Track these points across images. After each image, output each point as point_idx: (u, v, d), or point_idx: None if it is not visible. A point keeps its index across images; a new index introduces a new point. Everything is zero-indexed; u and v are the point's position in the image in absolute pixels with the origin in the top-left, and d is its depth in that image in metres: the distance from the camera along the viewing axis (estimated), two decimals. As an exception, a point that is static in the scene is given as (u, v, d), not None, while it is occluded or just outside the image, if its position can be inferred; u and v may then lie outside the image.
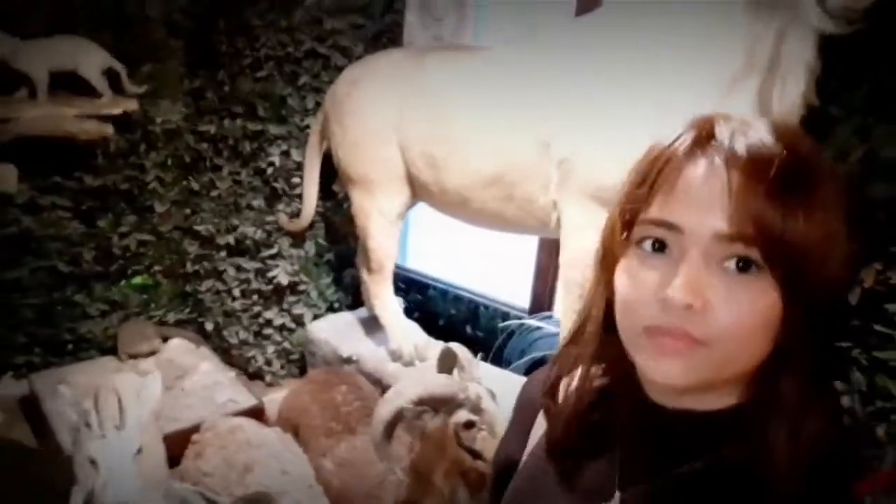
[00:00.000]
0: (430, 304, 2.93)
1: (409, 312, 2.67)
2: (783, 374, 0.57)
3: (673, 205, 0.57)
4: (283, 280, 2.78)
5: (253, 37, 2.58)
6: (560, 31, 1.88)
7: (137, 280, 3.00)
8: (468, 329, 2.80)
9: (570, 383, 0.70)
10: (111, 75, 2.60)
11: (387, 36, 2.67)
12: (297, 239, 2.80)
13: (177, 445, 2.12)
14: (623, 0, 1.71)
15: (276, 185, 2.73)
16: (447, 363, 1.66)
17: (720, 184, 0.55)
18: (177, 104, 2.87)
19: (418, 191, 2.18)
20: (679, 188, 0.57)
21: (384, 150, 2.15)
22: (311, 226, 2.75)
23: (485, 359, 2.19)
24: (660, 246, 0.58)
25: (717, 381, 0.59)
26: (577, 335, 0.70)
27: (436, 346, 2.19)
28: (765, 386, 0.58)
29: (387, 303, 2.45)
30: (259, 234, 2.79)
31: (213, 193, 2.86)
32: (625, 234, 0.61)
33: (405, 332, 2.42)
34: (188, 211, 2.99)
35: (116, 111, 2.59)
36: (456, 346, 1.66)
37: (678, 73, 1.54)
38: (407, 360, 2.35)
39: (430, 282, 2.95)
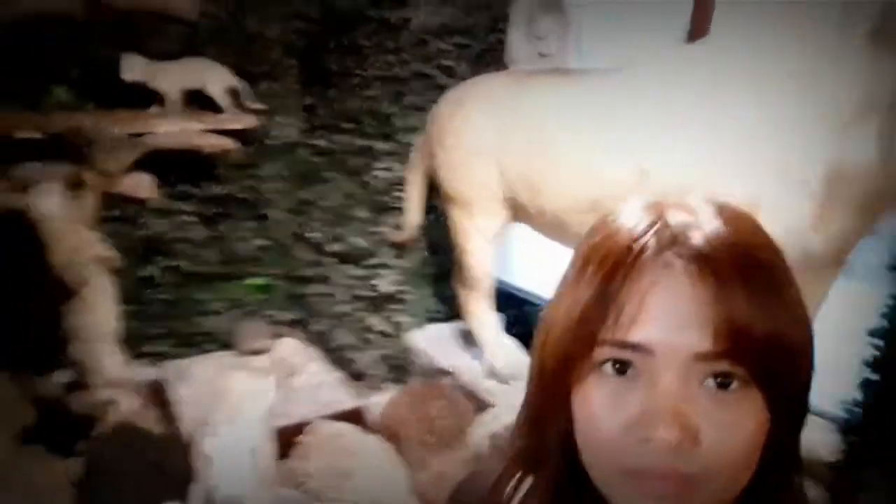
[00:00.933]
0: (530, 320, 2.95)
1: (509, 328, 2.71)
2: (771, 489, 0.53)
3: (640, 323, 0.49)
4: (386, 288, 2.89)
5: (362, 57, 2.69)
6: (666, 57, 1.84)
7: (255, 281, 3.21)
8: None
9: None
10: (233, 93, 2.79)
11: (490, 55, 2.70)
12: (401, 250, 2.90)
13: (284, 441, 2.28)
14: (734, 28, 1.65)
15: (381, 198, 2.84)
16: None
17: (693, 295, 0.49)
18: (291, 120, 3.03)
19: (517, 212, 2.21)
20: (646, 303, 0.49)
21: (483, 172, 2.19)
22: (414, 238, 2.84)
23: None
24: (622, 367, 0.51)
25: None
26: (528, 458, 0.61)
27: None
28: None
29: (483, 319, 2.49)
30: (365, 244, 2.91)
31: (324, 204, 3.01)
32: (581, 354, 0.52)
33: (501, 350, 2.46)
34: (301, 219, 3.16)
35: (237, 126, 2.77)
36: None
37: (789, 107, 1.48)
38: (502, 377, 2.39)
39: (530, 297, 2.97)
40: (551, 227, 2.09)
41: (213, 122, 2.74)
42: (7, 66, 2.43)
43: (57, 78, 2.57)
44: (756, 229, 0.53)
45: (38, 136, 2.36)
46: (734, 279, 0.49)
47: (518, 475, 0.62)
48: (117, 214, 2.76)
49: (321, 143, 2.94)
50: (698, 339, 0.48)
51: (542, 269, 3.03)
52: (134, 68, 2.55)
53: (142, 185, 2.71)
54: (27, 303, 2.50)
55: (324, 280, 3.11)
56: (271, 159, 3.04)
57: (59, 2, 2.39)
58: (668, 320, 0.49)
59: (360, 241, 2.92)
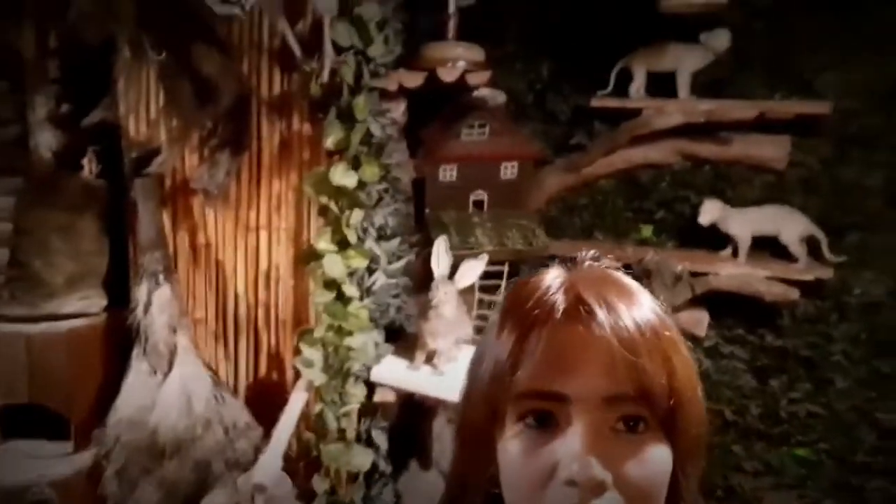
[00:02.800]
0: None
1: None
2: None
3: (555, 375, 0.56)
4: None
5: None
6: None
7: (800, 451, 2.83)
8: None
9: None
10: (811, 243, 2.58)
11: None
12: None
13: None
14: None
15: None
16: None
17: (602, 350, 0.55)
18: (882, 277, 2.61)
19: None
20: (559, 357, 0.56)
21: None
22: None
23: None
24: (541, 419, 0.56)
25: None
26: None
27: None
28: None
29: None
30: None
31: (906, 382, 2.46)
32: (502, 407, 0.58)
33: None
34: (872, 394, 2.65)
35: (808, 277, 2.55)
36: None
37: None
38: None
39: None
40: None
41: (780, 270, 2.59)
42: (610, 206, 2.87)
43: (646, 218, 2.88)
44: (648, 298, 0.62)
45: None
46: (633, 336, 0.56)
47: None
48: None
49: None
50: (606, 384, 0.55)
51: None
52: (711, 211, 2.64)
53: (699, 322, 2.75)
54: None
55: (886, 474, 2.51)
56: (848, 319, 2.67)
57: (658, 153, 2.69)
58: (579, 370, 0.55)
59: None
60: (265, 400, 2.06)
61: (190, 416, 1.82)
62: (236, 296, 2.09)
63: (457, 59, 2.05)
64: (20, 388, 1.90)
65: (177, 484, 1.82)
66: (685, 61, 2.55)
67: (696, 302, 2.68)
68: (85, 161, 1.89)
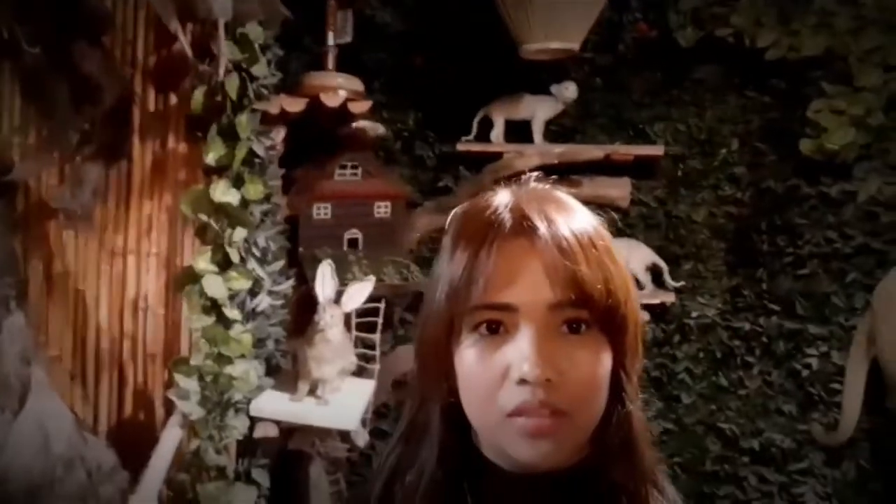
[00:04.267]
0: None
1: None
2: (620, 421, 0.63)
3: (505, 287, 0.61)
4: (810, 501, 2.41)
5: (796, 235, 2.53)
6: None
7: (656, 468, 3.03)
8: None
9: (405, 491, 0.67)
10: (654, 271, 2.87)
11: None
12: (833, 456, 2.42)
13: None
14: None
15: (811, 389, 2.48)
16: None
17: (544, 261, 0.61)
18: (714, 300, 2.95)
19: None
20: (508, 271, 0.61)
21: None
22: (851, 443, 2.35)
23: None
24: (495, 328, 0.62)
25: (575, 448, 0.63)
26: (409, 435, 0.70)
27: None
28: (605, 438, 0.63)
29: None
30: (787, 444, 2.53)
31: (741, 392, 2.76)
32: (458, 320, 0.63)
33: None
34: (713, 407, 2.93)
35: (654, 301, 2.82)
36: None
37: None
38: None
39: None
40: None
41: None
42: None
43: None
44: (585, 212, 0.67)
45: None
46: (572, 247, 0.61)
47: (400, 449, 0.70)
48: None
49: (744, 325, 2.76)
50: (550, 293, 0.60)
51: None
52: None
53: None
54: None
55: (734, 480, 2.76)
56: (688, 339, 2.97)
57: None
58: (525, 281, 0.61)
59: (782, 440, 2.54)
60: (132, 441, 1.86)
61: (48, 457, 1.60)
62: (98, 328, 1.90)
63: (338, 88, 2.11)
64: None
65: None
66: (539, 110, 2.81)
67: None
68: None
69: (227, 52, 1.53)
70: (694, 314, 2.95)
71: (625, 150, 2.78)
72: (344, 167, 2.47)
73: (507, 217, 0.64)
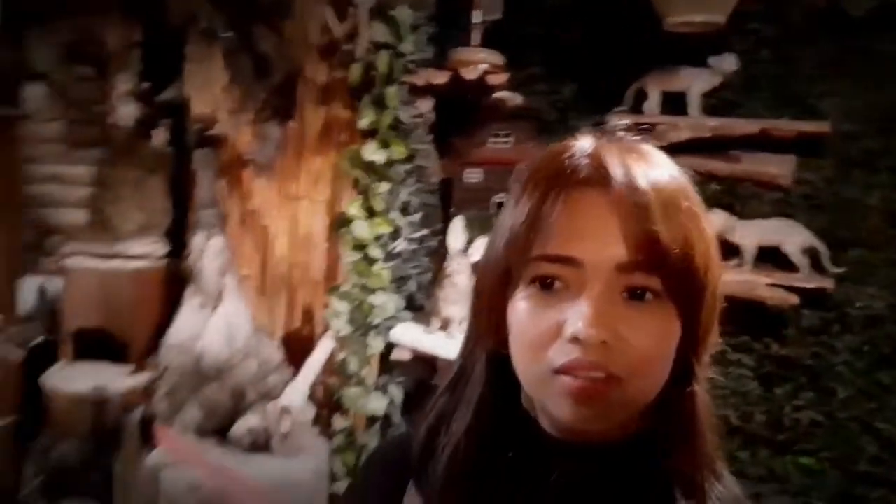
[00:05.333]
0: None
1: None
2: (682, 401, 0.59)
3: (570, 239, 0.56)
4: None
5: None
6: None
7: (803, 460, 2.89)
8: None
9: (447, 441, 0.63)
10: (813, 255, 2.72)
11: None
12: None
13: None
14: None
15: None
16: None
17: (618, 216, 0.55)
18: (883, 292, 2.72)
19: None
20: (575, 222, 0.56)
21: None
22: None
23: None
24: (552, 283, 0.57)
25: (627, 417, 0.59)
26: (457, 382, 0.66)
27: None
28: (664, 417, 0.59)
29: None
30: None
31: (904, 392, 2.53)
32: (516, 270, 0.58)
33: None
34: (873, 405, 2.72)
35: (808, 285, 2.68)
36: None
37: None
38: None
39: None
40: None
41: (782, 278, 2.72)
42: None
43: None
44: (679, 174, 0.61)
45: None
46: (650, 203, 0.56)
47: (448, 396, 0.67)
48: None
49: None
50: (620, 251, 0.55)
51: None
52: (715, 221, 2.83)
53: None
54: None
55: (888, 485, 2.55)
56: (851, 331, 2.76)
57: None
58: (594, 236, 0.56)
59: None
60: (296, 346, 2.34)
61: (231, 348, 2.12)
62: (278, 256, 2.41)
63: (479, 62, 2.37)
64: (92, 315, 2.26)
65: (216, 406, 2.10)
66: (695, 83, 2.80)
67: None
68: (155, 132, 2.30)
69: (367, 33, 1.86)
70: (858, 304, 2.75)
71: (784, 125, 2.67)
72: (497, 135, 2.72)
73: (582, 163, 0.59)
